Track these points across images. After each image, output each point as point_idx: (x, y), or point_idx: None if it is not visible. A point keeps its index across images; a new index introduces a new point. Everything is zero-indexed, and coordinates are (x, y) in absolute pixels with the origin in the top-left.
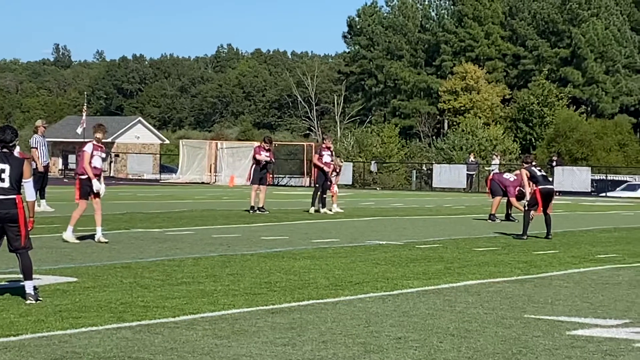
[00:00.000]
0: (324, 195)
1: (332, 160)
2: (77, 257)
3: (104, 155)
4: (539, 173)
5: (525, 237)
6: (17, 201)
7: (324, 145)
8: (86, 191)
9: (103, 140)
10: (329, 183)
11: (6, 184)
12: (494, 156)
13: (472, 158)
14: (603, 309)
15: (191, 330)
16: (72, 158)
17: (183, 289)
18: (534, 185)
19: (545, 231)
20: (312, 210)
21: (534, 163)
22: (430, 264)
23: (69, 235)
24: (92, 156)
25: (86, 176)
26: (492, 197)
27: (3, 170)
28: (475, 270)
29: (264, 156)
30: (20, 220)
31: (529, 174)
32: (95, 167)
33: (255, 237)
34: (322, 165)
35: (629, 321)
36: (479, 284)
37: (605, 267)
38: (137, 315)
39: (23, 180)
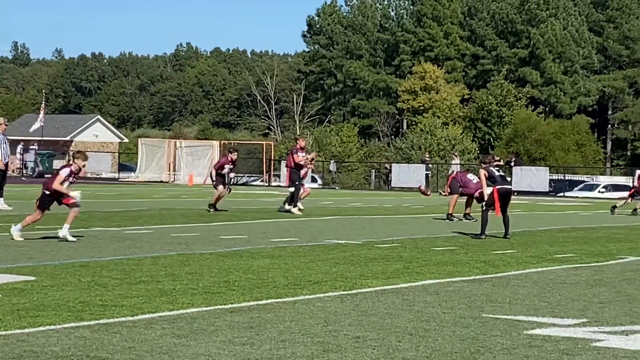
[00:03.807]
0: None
1: (307, 160)
2: (35, 256)
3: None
4: (497, 173)
5: (483, 237)
6: None
7: (297, 146)
8: (45, 205)
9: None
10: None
11: None
12: (454, 156)
13: (427, 156)
14: (561, 309)
15: (149, 329)
16: (29, 156)
17: (141, 288)
18: (492, 185)
19: (504, 231)
20: (295, 210)
21: (495, 163)
22: (389, 263)
23: (16, 231)
24: (64, 181)
25: (49, 192)
26: (450, 196)
27: None
28: (433, 270)
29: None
30: None
31: (487, 174)
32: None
33: (214, 236)
34: (301, 161)
35: (586, 320)
36: (438, 284)
37: (563, 267)
38: (95, 314)
39: None
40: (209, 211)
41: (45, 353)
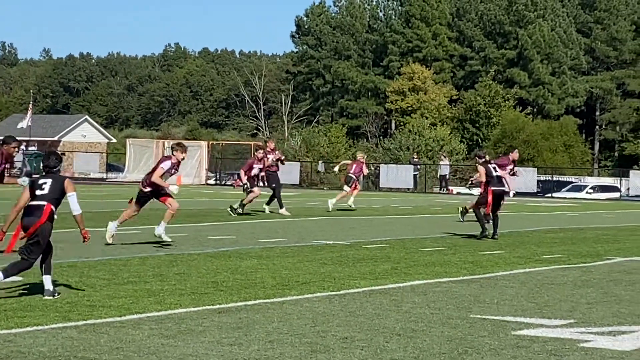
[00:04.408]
0: (274, 198)
1: (277, 160)
2: None
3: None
4: (494, 173)
5: (486, 233)
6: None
7: (268, 149)
8: (142, 202)
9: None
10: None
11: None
12: (443, 157)
13: (415, 157)
14: (548, 309)
15: (137, 330)
16: (18, 156)
17: (129, 289)
18: (488, 184)
19: (492, 231)
20: (283, 211)
21: (490, 160)
22: (377, 264)
23: (112, 229)
24: (165, 173)
25: (148, 190)
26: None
27: (45, 183)
28: (421, 271)
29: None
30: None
31: (485, 171)
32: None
33: (202, 236)
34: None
35: (573, 321)
36: (426, 284)
37: (551, 268)
38: (82, 314)
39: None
40: (232, 214)
41: (32, 353)
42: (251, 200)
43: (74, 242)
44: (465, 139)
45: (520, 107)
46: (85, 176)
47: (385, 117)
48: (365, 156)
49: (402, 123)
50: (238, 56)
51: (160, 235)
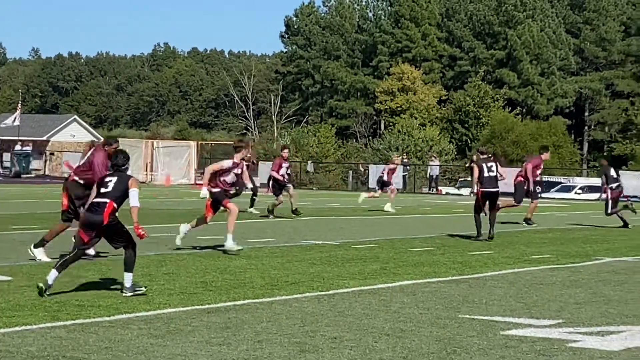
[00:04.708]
0: (254, 197)
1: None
2: (12, 256)
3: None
4: (486, 173)
5: (481, 238)
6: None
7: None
8: (219, 202)
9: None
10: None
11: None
12: (433, 157)
13: (405, 157)
14: (537, 309)
15: (126, 330)
16: (6, 156)
17: (118, 288)
18: (479, 184)
19: (487, 232)
20: (253, 210)
21: (490, 157)
22: (366, 264)
23: (183, 231)
24: (227, 171)
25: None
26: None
27: (110, 181)
28: (410, 271)
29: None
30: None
31: (478, 169)
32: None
33: (191, 236)
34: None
35: (562, 321)
36: (415, 284)
37: (540, 268)
38: (71, 314)
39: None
40: (268, 215)
41: (21, 353)
42: (277, 205)
43: (62, 242)
44: (454, 140)
45: (510, 108)
46: None
47: (375, 117)
48: (400, 157)
49: (391, 123)
50: (227, 56)
51: (231, 248)
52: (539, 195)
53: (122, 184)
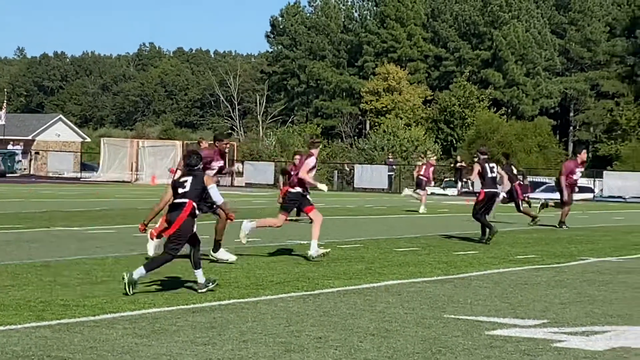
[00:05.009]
0: None
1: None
2: None
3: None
4: (489, 174)
5: (484, 240)
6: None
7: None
8: (289, 207)
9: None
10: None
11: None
12: (421, 157)
13: (390, 157)
14: (522, 309)
15: (111, 329)
16: None
17: (103, 288)
18: (481, 185)
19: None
20: None
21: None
22: (351, 264)
23: (246, 228)
24: (311, 170)
25: (298, 190)
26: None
27: (186, 181)
28: (395, 271)
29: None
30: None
31: (481, 170)
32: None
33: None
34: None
35: (547, 321)
36: (400, 284)
37: (524, 268)
38: (56, 314)
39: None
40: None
41: (5, 353)
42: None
43: (47, 242)
44: (439, 140)
45: (495, 108)
46: (59, 175)
47: (360, 117)
48: (436, 157)
49: (376, 123)
50: (213, 56)
51: (316, 254)
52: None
53: (198, 181)
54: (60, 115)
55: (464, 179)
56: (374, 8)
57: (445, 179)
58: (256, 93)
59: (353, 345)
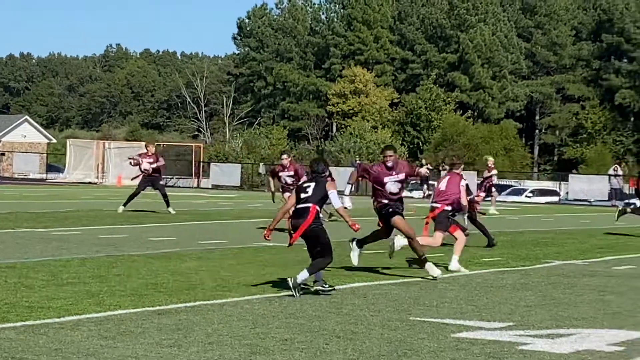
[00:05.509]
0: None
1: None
2: None
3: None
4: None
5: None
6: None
7: (148, 153)
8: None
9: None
10: None
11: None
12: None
13: (357, 160)
14: (487, 312)
15: (76, 331)
16: None
17: (69, 290)
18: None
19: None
20: (120, 209)
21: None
22: None
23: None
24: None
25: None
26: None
27: (309, 186)
28: (361, 273)
29: None
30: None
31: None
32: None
33: (143, 238)
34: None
35: (512, 324)
36: (366, 286)
37: (490, 271)
38: (21, 315)
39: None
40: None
41: None
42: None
43: (12, 243)
44: (406, 142)
45: (461, 111)
46: (25, 176)
47: (327, 119)
48: (492, 159)
49: (343, 126)
50: (179, 57)
51: (457, 269)
52: None
53: (321, 187)
54: (26, 116)
55: (430, 182)
56: (341, 10)
57: (411, 182)
58: (223, 95)
59: (319, 347)
